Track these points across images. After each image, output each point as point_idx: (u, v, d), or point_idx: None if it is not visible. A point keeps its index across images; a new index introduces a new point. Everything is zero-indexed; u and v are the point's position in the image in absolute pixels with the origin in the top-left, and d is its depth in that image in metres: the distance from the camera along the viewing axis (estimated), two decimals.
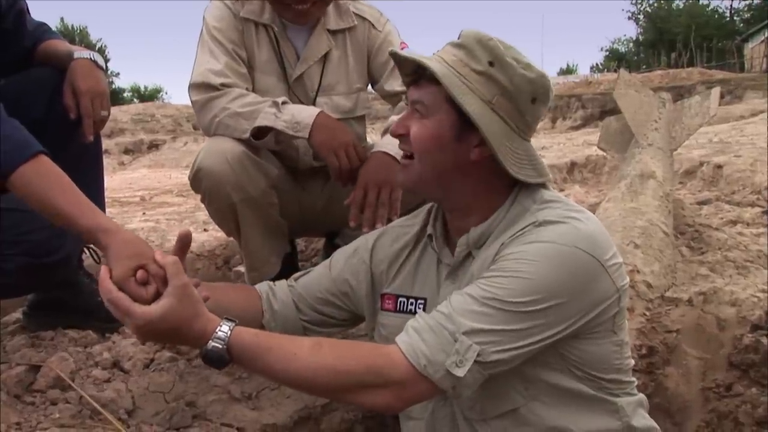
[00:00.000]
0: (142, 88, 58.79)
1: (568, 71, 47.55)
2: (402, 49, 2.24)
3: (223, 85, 2.09)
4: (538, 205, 1.44)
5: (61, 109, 1.98)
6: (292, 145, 2.22)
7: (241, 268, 2.55)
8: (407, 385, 1.30)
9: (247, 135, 2.03)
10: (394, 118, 2.01)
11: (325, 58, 2.23)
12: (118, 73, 62.79)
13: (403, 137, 1.49)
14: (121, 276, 1.36)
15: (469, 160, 1.44)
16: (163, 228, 3.11)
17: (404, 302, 1.59)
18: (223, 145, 2.05)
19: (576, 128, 14.61)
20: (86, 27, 53.21)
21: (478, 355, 1.28)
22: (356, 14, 2.27)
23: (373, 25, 2.27)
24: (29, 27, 2.13)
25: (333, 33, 2.24)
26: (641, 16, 49.57)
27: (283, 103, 2.05)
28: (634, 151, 3.21)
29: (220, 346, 1.30)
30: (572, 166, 6.38)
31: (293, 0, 2.07)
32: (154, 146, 13.61)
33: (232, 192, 2.05)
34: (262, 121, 2.02)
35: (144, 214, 3.56)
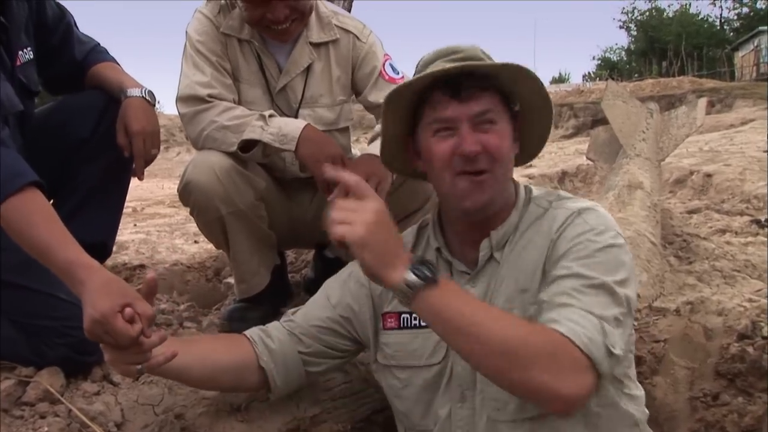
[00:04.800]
0: None
1: (560, 80, 47.70)
2: (386, 60, 2.27)
3: (210, 96, 2.10)
4: (557, 200, 1.51)
5: (104, 130, 2.04)
6: (278, 156, 2.24)
7: (231, 280, 2.56)
8: (578, 369, 1.25)
9: (234, 148, 2.05)
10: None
11: (308, 70, 2.25)
12: None
13: (479, 155, 1.42)
14: (108, 312, 1.35)
15: (513, 158, 1.50)
16: (153, 240, 3.11)
17: (407, 318, 1.59)
18: (211, 159, 2.06)
19: (568, 137, 14.68)
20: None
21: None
22: (339, 27, 2.28)
23: (357, 37, 2.28)
24: (78, 41, 2.18)
25: (315, 46, 2.25)
26: (632, 25, 49.82)
27: (270, 116, 2.07)
28: (622, 161, 3.23)
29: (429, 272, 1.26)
30: (563, 175, 6.41)
31: (270, 22, 2.08)
32: None
33: (220, 205, 2.06)
34: (249, 134, 2.04)
35: (135, 225, 3.57)
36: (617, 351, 1.28)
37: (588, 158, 3.85)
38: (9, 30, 1.89)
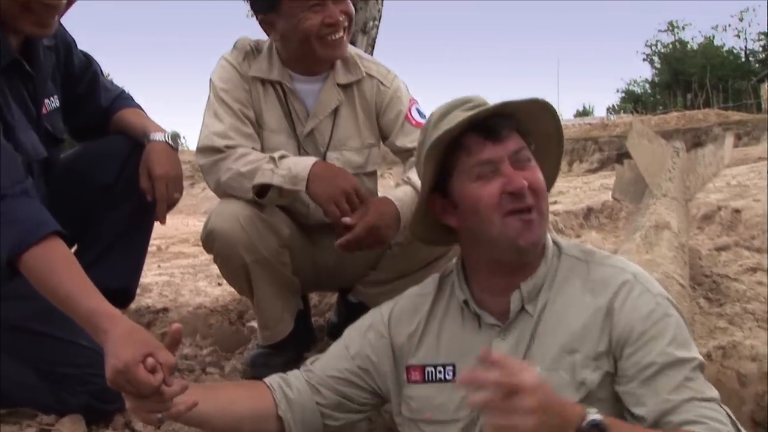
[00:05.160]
0: None
1: (584, 113, 47.65)
2: (411, 105, 2.27)
3: (227, 146, 2.10)
4: (592, 255, 1.51)
5: (128, 176, 2.06)
6: (302, 201, 2.22)
7: (255, 324, 2.55)
8: None
9: (251, 195, 2.05)
10: (413, 177, 2.01)
11: (336, 112, 2.25)
12: None
13: (526, 191, 1.42)
14: (131, 362, 1.36)
15: None
16: (177, 282, 3.12)
17: (432, 371, 1.56)
18: (233, 207, 2.06)
19: (593, 171, 14.59)
20: (109, 75, 54.26)
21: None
22: (364, 71, 2.28)
23: (381, 82, 2.28)
24: (104, 89, 2.21)
25: (343, 87, 2.25)
26: (656, 58, 49.72)
27: (281, 157, 2.06)
28: (648, 201, 3.19)
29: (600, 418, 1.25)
30: (588, 211, 6.34)
31: (329, 27, 2.08)
32: None
33: (244, 253, 2.06)
34: (260, 179, 2.04)
35: (159, 266, 3.58)
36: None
37: (614, 197, 3.81)
38: (35, 79, 1.92)
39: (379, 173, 2.46)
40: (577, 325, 1.44)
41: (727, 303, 2.84)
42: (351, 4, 2.15)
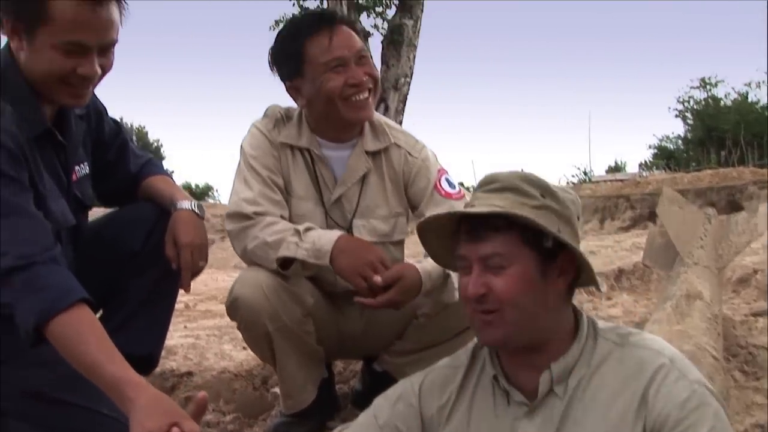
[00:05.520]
0: (194, 186, 60.50)
1: (616, 168, 47.42)
2: (441, 175, 2.28)
3: (256, 213, 2.12)
4: (630, 337, 1.46)
5: (155, 243, 2.08)
6: (328, 269, 2.22)
7: (278, 390, 2.53)
8: None
9: (275, 265, 2.06)
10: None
11: (363, 180, 2.26)
12: (173, 172, 65.06)
13: (482, 296, 1.42)
14: (156, 431, 1.37)
15: (554, 292, 1.45)
16: (202, 345, 3.12)
17: None
18: (258, 275, 2.08)
19: (625, 229, 14.39)
20: (144, 127, 55.54)
21: None
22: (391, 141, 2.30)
23: (409, 152, 2.30)
24: (133, 155, 2.25)
25: (371, 154, 2.27)
26: (689, 114, 49.51)
27: (306, 230, 2.08)
28: (679, 269, 3.14)
29: None
30: (620, 273, 6.25)
31: (355, 86, 2.11)
32: None
33: (267, 321, 2.06)
34: (284, 252, 2.05)
35: (185, 327, 3.59)
36: None
37: (644, 264, 3.75)
38: (67, 148, 1.96)
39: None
40: (610, 411, 1.40)
41: (763, 376, 2.75)
42: (375, 68, 2.19)
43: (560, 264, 1.44)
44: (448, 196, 2.22)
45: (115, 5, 1.79)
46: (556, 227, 1.41)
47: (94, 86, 1.88)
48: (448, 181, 2.28)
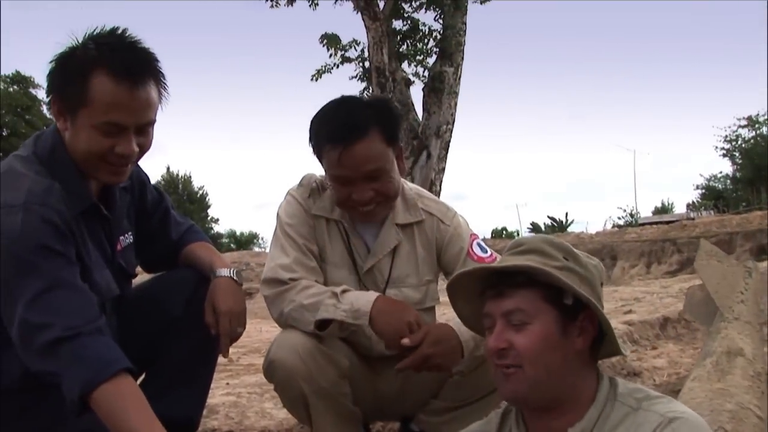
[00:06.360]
0: (239, 234, 61.15)
1: (663, 210, 46.77)
2: (473, 240, 2.32)
3: (292, 279, 2.18)
4: (647, 401, 1.46)
5: (195, 309, 2.13)
6: (364, 334, 2.25)
7: None
8: None
9: (312, 327, 2.11)
10: None
11: (395, 251, 2.31)
12: (218, 219, 65.91)
13: (504, 351, 1.47)
14: None
15: (574, 352, 1.48)
16: (243, 403, 3.16)
17: None
18: (294, 338, 2.13)
19: (672, 273, 14.16)
20: (190, 175, 56.32)
21: None
22: (424, 210, 2.35)
23: (441, 220, 2.35)
24: (175, 223, 2.33)
25: (401, 227, 2.32)
26: (737, 153, 48.62)
27: (343, 292, 2.13)
28: (719, 325, 3.10)
29: None
30: (665, 321, 6.14)
31: (355, 203, 2.17)
32: (247, 295, 13.86)
33: (303, 384, 2.10)
34: (322, 314, 2.10)
35: (227, 384, 3.64)
36: None
37: (684, 318, 3.71)
38: (111, 221, 2.05)
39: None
40: None
41: None
42: (390, 183, 2.18)
43: (581, 323, 1.48)
44: (481, 260, 2.26)
45: (154, 85, 1.88)
46: (579, 287, 1.46)
47: (134, 164, 1.97)
48: (480, 245, 2.32)
